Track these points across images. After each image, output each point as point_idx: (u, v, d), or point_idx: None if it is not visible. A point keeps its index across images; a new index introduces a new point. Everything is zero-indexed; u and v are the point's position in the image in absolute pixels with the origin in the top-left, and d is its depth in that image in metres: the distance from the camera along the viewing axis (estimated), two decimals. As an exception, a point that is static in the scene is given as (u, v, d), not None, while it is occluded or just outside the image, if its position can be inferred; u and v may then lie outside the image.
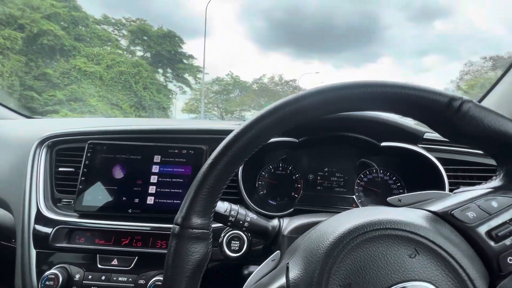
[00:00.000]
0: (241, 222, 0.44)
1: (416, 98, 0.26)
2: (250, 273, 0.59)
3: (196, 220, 0.29)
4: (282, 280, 0.27)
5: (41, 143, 0.68)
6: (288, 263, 0.28)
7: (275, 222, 0.48)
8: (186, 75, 14.48)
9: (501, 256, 0.24)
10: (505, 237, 0.25)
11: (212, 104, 15.78)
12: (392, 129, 0.62)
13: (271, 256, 0.37)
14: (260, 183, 0.73)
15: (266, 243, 0.56)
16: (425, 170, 0.62)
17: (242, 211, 0.45)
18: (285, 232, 0.46)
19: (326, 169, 0.73)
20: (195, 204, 0.29)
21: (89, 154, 0.65)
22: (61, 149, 0.69)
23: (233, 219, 0.43)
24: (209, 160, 0.29)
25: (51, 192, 0.66)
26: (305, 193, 0.72)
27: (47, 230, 0.59)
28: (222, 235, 0.58)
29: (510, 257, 0.24)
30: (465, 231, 0.25)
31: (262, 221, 0.47)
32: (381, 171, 0.71)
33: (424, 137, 0.64)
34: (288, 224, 0.47)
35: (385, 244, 0.24)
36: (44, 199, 0.63)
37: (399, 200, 0.31)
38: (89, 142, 0.66)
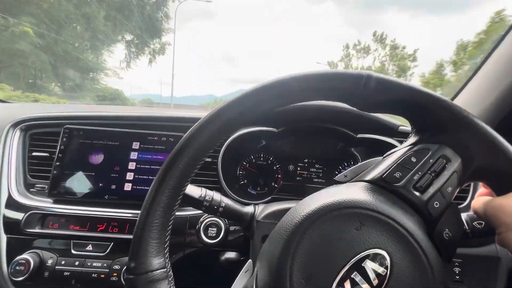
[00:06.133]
0: (215, 207, 0.44)
1: (327, 83, 0.27)
2: (227, 260, 0.61)
3: (151, 263, 0.27)
4: None
5: (14, 126, 0.65)
6: (257, 271, 0.29)
7: (250, 208, 0.49)
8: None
9: (429, 203, 0.27)
10: (428, 186, 0.27)
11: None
12: (368, 121, 0.64)
13: (244, 267, 0.37)
14: (241, 172, 0.74)
15: (241, 228, 0.57)
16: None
17: (217, 196, 0.45)
18: (259, 218, 0.47)
19: (306, 160, 0.75)
20: (144, 246, 0.27)
21: (64, 139, 0.63)
22: (35, 134, 0.67)
23: (207, 204, 0.43)
24: (148, 196, 0.28)
25: (24, 177, 0.64)
26: (284, 183, 0.74)
27: (19, 215, 0.58)
28: (200, 222, 0.58)
29: (435, 202, 0.27)
30: (397, 191, 0.28)
31: (237, 207, 0.47)
32: (359, 162, 0.73)
33: (398, 130, 0.66)
34: (262, 210, 0.48)
35: (333, 226, 0.25)
36: (16, 184, 0.62)
37: (345, 176, 0.33)
38: (64, 127, 0.64)
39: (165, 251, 0.29)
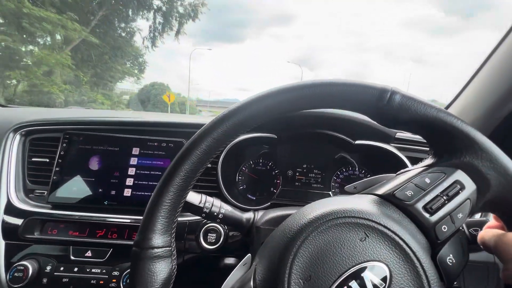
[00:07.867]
0: (215, 213, 0.45)
1: (352, 93, 0.28)
2: (226, 265, 0.61)
3: (157, 239, 0.29)
4: (250, 284, 0.28)
5: (14, 131, 0.65)
6: (256, 265, 0.29)
7: (249, 214, 0.49)
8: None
9: (437, 226, 0.27)
10: (438, 208, 0.27)
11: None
12: (366, 128, 0.65)
13: (243, 260, 0.38)
14: (240, 178, 0.74)
15: (241, 234, 0.57)
16: (397, 169, 0.65)
17: (217, 203, 0.45)
18: (259, 224, 0.47)
19: (304, 166, 0.75)
20: (154, 223, 0.29)
21: (64, 145, 0.64)
22: (35, 139, 0.67)
23: (207, 211, 0.44)
24: (165, 175, 0.29)
25: (23, 182, 0.64)
26: (283, 189, 0.74)
27: (17, 221, 0.58)
28: (199, 227, 0.58)
29: (444, 226, 0.27)
30: (406, 209, 0.28)
31: (237, 213, 0.48)
32: (357, 168, 0.74)
33: (396, 136, 0.67)
34: (261, 217, 0.48)
35: (338, 232, 0.26)
36: (15, 189, 0.62)
37: (355, 188, 0.33)
38: (65, 132, 0.64)
39: (172, 231, 0.30)
